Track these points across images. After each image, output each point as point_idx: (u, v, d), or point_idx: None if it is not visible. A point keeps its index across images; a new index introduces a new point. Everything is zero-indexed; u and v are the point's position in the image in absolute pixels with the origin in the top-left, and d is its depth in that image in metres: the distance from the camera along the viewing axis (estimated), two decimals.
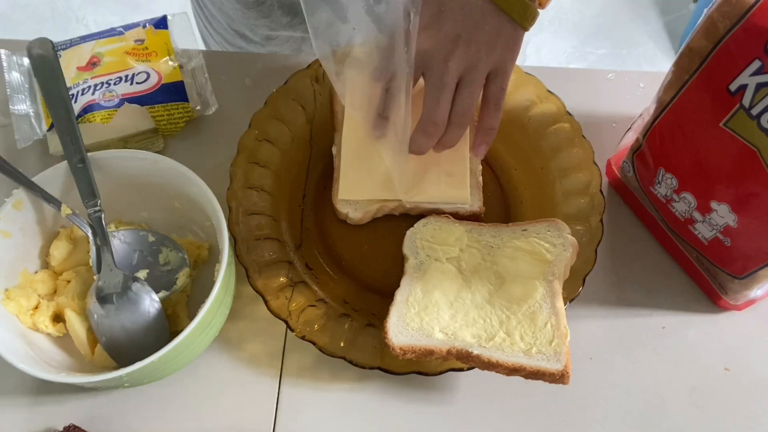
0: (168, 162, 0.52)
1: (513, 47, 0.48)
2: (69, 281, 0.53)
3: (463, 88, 0.48)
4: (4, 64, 0.64)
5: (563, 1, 1.99)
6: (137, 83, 0.62)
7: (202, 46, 0.91)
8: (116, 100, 0.61)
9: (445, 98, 0.48)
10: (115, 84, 0.61)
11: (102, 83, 0.61)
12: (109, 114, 0.60)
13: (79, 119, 0.59)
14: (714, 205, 0.49)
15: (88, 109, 0.60)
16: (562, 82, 0.62)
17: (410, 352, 0.46)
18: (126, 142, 0.62)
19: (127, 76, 0.62)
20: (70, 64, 0.63)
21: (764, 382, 0.53)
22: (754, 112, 0.43)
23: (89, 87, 0.61)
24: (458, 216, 0.57)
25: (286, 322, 0.50)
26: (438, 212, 0.58)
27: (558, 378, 0.45)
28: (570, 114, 0.59)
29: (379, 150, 0.56)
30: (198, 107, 0.64)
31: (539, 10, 0.48)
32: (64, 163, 0.52)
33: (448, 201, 0.57)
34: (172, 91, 0.62)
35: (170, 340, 0.45)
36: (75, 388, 0.51)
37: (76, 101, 0.60)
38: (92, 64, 0.63)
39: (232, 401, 0.52)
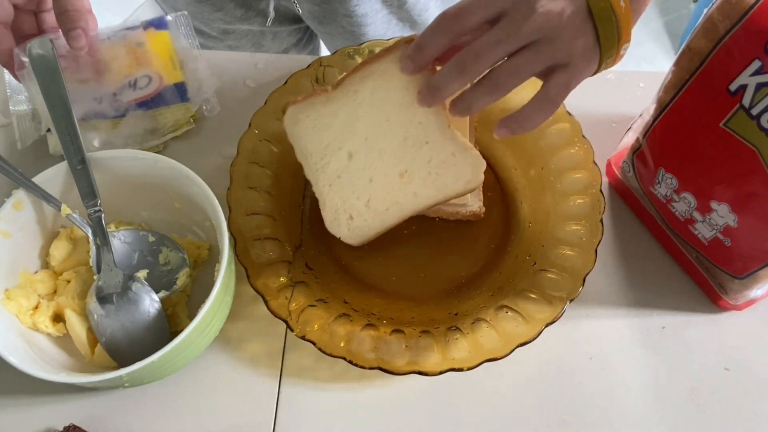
0: (168, 162, 0.52)
1: (587, 56, 0.44)
2: (69, 281, 0.53)
3: (526, 52, 0.42)
4: None
5: None
6: (139, 88, 0.62)
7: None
8: (121, 110, 0.60)
9: (508, 45, 0.42)
10: (119, 93, 0.61)
11: (107, 92, 0.61)
12: (114, 124, 0.60)
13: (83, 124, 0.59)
14: (714, 205, 0.49)
15: (92, 116, 0.60)
16: None
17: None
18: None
19: (130, 83, 0.62)
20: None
21: (764, 382, 0.53)
22: (754, 112, 0.43)
23: (95, 95, 0.61)
24: (459, 217, 0.57)
25: (286, 322, 0.50)
26: (439, 212, 0.58)
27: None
28: (570, 114, 0.59)
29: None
30: (200, 108, 0.64)
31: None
32: (64, 163, 0.52)
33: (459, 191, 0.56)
34: (174, 93, 0.62)
35: (170, 340, 0.45)
36: (75, 388, 0.51)
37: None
38: (96, 71, 0.62)
39: (232, 401, 0.52)
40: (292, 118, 0.53)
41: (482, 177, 0.52)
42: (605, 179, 0.61)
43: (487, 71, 0.44)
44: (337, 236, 0.55)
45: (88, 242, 0.52)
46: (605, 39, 0.43)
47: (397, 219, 0.54)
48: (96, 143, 0.59)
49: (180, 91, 0.63)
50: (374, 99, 0.51)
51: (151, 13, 0.65)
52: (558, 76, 0.44)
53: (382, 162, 0.52)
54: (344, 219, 0.54)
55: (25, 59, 0.54)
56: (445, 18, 0.43)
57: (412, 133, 0.51)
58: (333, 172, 0.53)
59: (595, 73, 0.46)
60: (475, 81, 0.45)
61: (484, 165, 0.52)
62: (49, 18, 0.57)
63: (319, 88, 0.53)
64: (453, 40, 0.44)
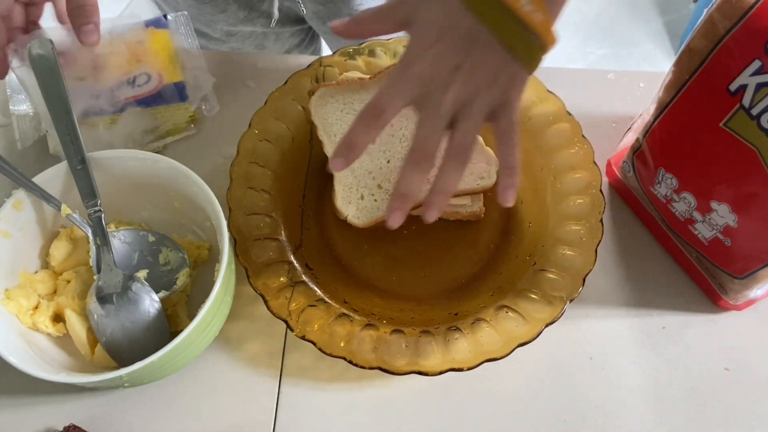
0: (168, 162, 0.52)
1: (516, 84, 0.44)
2: (69, 281, 0.53)
3: (460, 122, 0.44)
4: None
5: None
6: (138, 86, 0.62)
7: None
8: (119, 105, 0.60)
9: (438, 128, 0.44)
10: (117, 89, 0.61)
11: (105, 89, 0.61)
12: (112, 119, 0.60)
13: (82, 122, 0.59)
14: (714, 205, 0.49)
15: (91, 113, 0.60)
16: (562, 82, 0.62)
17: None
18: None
19: (129, 80, 0.62)
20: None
21: (764, 382, 0.53)
22: (754, 112, 0.43)
23: (92, 92, 0.61)
24: (459, 217, 0.57)
25: (286, 322, 0.50)
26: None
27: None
28: (570, 114, 0.59)
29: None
30: (199, 107, 0.64)
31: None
32: (64, 163, 0.52)
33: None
34: (174, 92, 0.62)
35: (170, 340, 0.45)
36: (75, 388, 0.51)
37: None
38: (93, 68, 0.62)
39: (232, 401, 0.52)
40: (320, 99, 0.57)
41: (495, 176, 0.55)
42: (605, 179, 0.61)
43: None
44: (344, 215, 0.56)
45: (88, 242, 0.52)
46: (525, 59, 0.43)
47: None
48: (94, 142, 0.59)
49: (179, 90, 0.63)
50: None
51: (143, 6, 0.65)
52: (502, 118, 0.44)
53: (401, 146, 0.56)
54: (355, 198, 0.56)
55: (13, 58, 0.54)
56: (365, 115, 0.44)
57: None
58: None
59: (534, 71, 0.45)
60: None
61: (497, 163, 0.55)
62: (36, 11, 0.57)
63: (351, 78, 0.58)
64: (380, 133, 0.45)
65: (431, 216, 0.45)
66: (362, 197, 0.56)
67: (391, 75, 0.43)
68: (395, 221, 0.44)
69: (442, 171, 0.44)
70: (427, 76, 0.43)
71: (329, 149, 0.57)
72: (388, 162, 0.56)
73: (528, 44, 0.42)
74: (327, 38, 0.88)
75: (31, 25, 0.57)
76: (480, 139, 0.56)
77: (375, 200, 0.56)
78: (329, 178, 0.58)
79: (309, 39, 0.93)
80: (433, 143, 0.44)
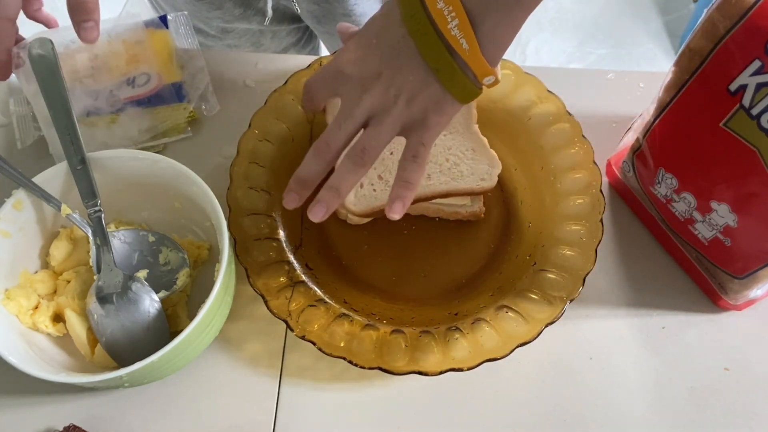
0: (168, 162, 0.52)
1: (439, 108, 0.43)
2: (69, 281, 0.53)
3: (370, 126, 0.44)
4: None
5: (563, 1, 1.99)
6: (138, 86, 0.62)
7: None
8: (119, 105, 0.60)
9: (346, 127, 0.44)
10: (117, 89, 0.61)
11: (104, 89, 0.61)
12: (112, 119, 0.60)
13: (80, 121, 0.59)
14: (714, 205, 0.49)
15: (90, 113, 0.60)
16: (562, 82, 0.62)
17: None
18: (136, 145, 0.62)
19: (128, 80, 0.62)
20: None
21: (764, 382, 0.53)
22: (754, 112, 0.43)
23: (91, 92, 0.61)
24: (458, 217, 0.58)
25: (286, 322, 0.50)
26: (439, 212, 0.58)
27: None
28: (570, 114, 0.59)
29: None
30: (199, 107, 0.64)
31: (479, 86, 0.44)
32: (64, 163, 0.52)
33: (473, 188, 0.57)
34: (173, 92, 0.62)
35: (170, 340, 0.45)
36: (75, 388, 0.51)
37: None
38: (93, 68, 0.62)
39: (232, 401, 0.52)
40: None
41: (496, 178, 0.55)
42: (605, 179, 0.61)
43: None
44: (344, 214, 0.57)
45: (88, 242, 0.52)
46: (450, 85, 0.42)
47: None
48: (93, 141, 0.59)
49: (178, 90, 0.63)
50: None
51: (140, 5, 0.65)
52: (413, 135, 0.44)
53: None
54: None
55: (23, 58, 0.55)
56: (303, 92, 0.48)
57: None
58: None
59: (468, 101, 0.45)
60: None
61: (499, 166, 0.56)
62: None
63: None
64: (318, 108, 0.49)
65: (315, 215, 0.45)
66: (362, 185, 0.56)
67: (325, 64, 0.45)
68: (289, 204, 0.46)
69: (337, 168, 0.45)
70: (348, 74, 0.44)
71: None
72: (391, 153, 0.56)
73: (452, 71, 0.41)
74: (324, 38, 0.88)
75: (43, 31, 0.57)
76: (484, 140, 0.56)
77: (374, 190, 0.56)
78: (329, 178, 0.58)
79: (306, 37, 0.93)
80: (338, 138, 0.44)
